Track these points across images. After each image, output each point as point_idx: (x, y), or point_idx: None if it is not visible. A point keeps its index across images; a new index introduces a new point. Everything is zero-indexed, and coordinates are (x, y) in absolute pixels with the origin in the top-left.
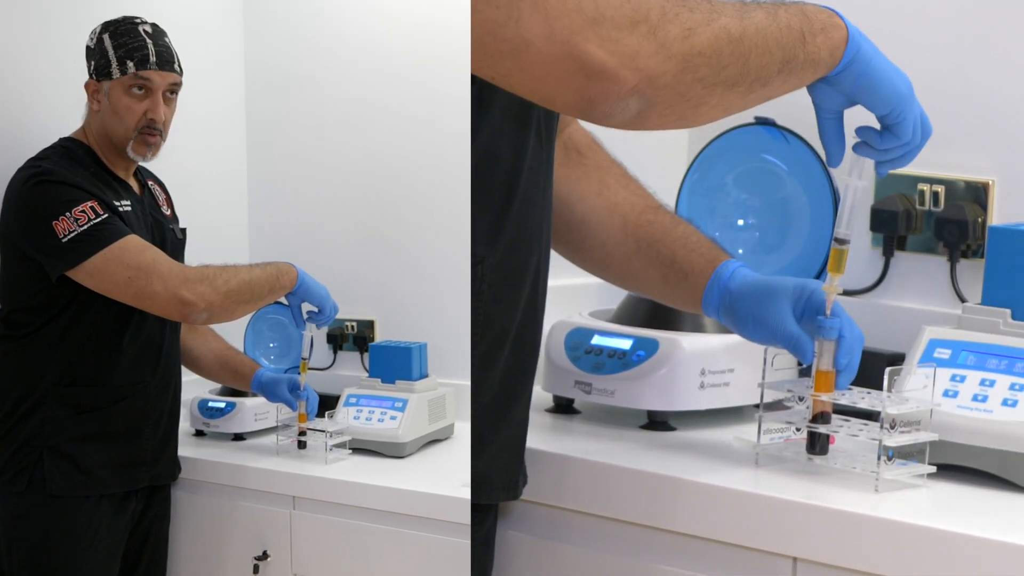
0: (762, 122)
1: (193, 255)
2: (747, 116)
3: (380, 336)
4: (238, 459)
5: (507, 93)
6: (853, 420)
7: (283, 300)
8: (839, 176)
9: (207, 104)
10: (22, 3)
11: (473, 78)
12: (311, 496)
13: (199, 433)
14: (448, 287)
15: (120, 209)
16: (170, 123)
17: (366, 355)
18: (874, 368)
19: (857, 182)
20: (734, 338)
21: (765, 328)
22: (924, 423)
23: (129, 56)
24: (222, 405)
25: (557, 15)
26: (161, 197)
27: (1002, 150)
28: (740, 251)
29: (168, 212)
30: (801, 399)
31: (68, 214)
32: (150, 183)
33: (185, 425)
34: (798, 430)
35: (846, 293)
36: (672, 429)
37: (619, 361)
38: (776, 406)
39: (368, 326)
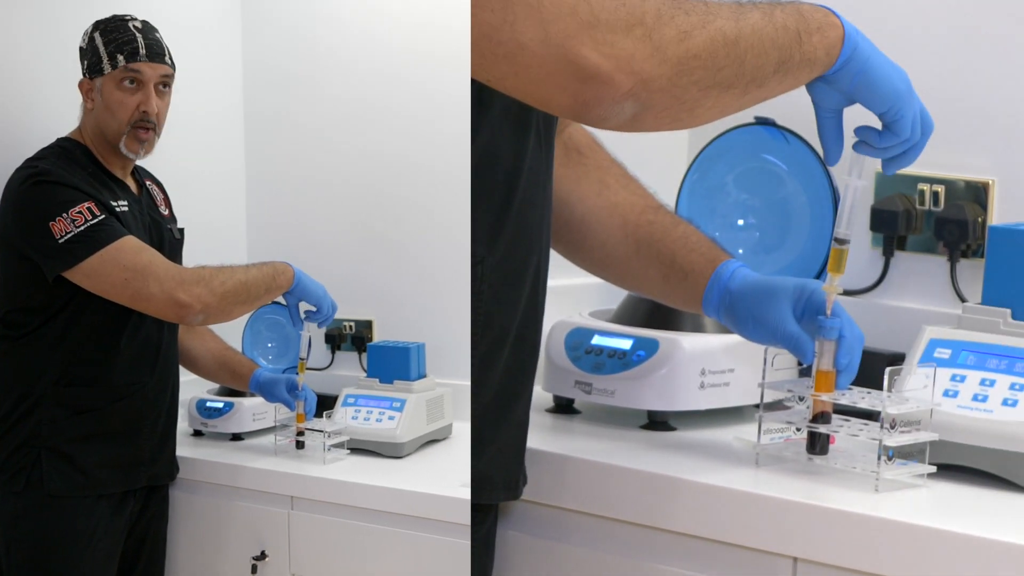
0: (762, 122)
1: (191, 255)
2: (747, 116)
3: (378, 336)
4: (236, 459)
5: None
6: (853, 420)
7: (281, 300)
8: (839, 176)
9: (205, 104)
10: (22, 3)
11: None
12: (309, 496)
13: (197, 433)
14: (448, 287)
15: (117, 209)
16: (164, 117)
17: (364, 355)
18: (874, 368)
19: (857, 182)
20: (734, 338)
21: (765, 328)
22: (924, 423)
23: (119, 50)
24: (220, 405)
25: (552, 19)
26: (159, 197)
27: (1002, 150)
28: (740, 251)
29: (166, 212)
30: (801, 399)
31: (65, 215)
32: (148, 183)
33: (183, 425)
34: (798, 430)
35: (846, 293)
36: (672, 429)
37: (619, 361)
38: (776, 406)
39: (366, 326)
